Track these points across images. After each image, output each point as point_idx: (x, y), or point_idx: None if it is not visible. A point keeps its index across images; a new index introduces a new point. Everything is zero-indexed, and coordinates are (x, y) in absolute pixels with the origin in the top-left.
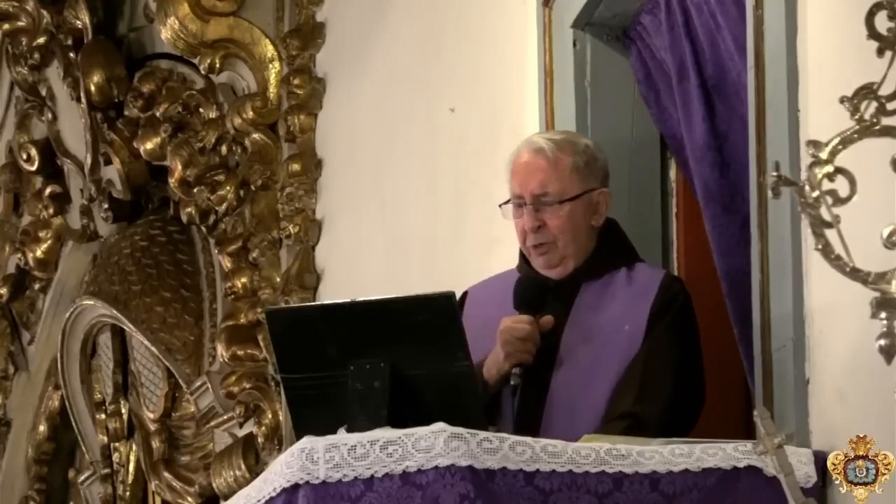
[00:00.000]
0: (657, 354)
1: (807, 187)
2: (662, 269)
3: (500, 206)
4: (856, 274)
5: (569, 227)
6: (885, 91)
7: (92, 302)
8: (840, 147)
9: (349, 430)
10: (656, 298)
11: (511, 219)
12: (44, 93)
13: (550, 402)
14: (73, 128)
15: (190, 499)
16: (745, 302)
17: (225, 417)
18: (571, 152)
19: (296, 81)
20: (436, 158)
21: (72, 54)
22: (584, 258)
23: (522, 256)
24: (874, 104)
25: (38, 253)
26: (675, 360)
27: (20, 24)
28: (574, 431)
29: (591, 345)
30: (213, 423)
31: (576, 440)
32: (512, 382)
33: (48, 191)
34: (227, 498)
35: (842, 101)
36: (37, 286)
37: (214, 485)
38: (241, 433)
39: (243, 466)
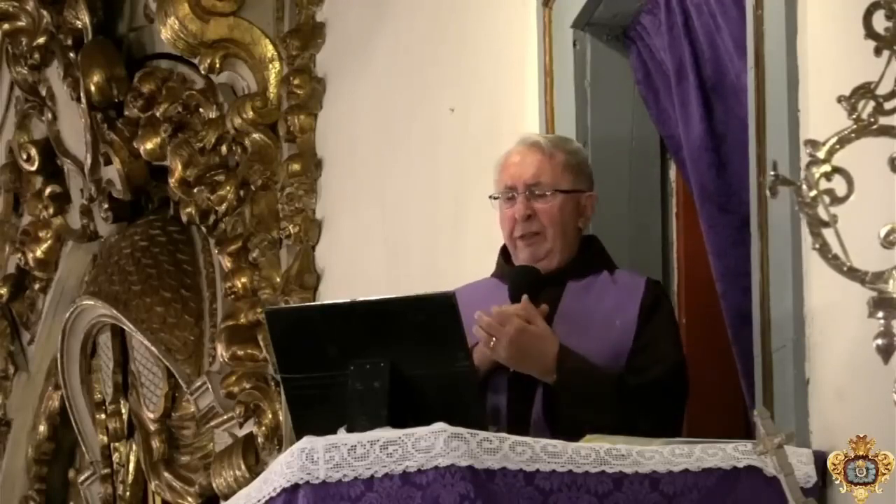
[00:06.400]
0: (660, 330)
1: (804, 187)
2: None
3: (489, 197)
4: (853, 273)
5: (558, 219)
6: (882, 90)
7: (92, 302)
8: (838, 146)
9: (349, 430)
10: (645, 296)
11: (500, 210)
12: (44, 93)
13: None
14: (73, 128)
15: (190, 499)
16: (740, 302)
17: (225, 417)
18: (565, 151)
19: (296, 81)
20: (436, 158)
21: (72, 54)
22: (568, 257)
23: (503, 257)
24: (872, 103)
25: (38, 253)
26: (674, 335)
27: (20, 24)
28: None
29: (584, 337)
30: (213, 423)
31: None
32: None
33: (48, 191)
34: (227, 498)
35: (839, 100)
36: (37, 286)
37: (214, 485)
38: (241, 433)
39: (243, 466)
